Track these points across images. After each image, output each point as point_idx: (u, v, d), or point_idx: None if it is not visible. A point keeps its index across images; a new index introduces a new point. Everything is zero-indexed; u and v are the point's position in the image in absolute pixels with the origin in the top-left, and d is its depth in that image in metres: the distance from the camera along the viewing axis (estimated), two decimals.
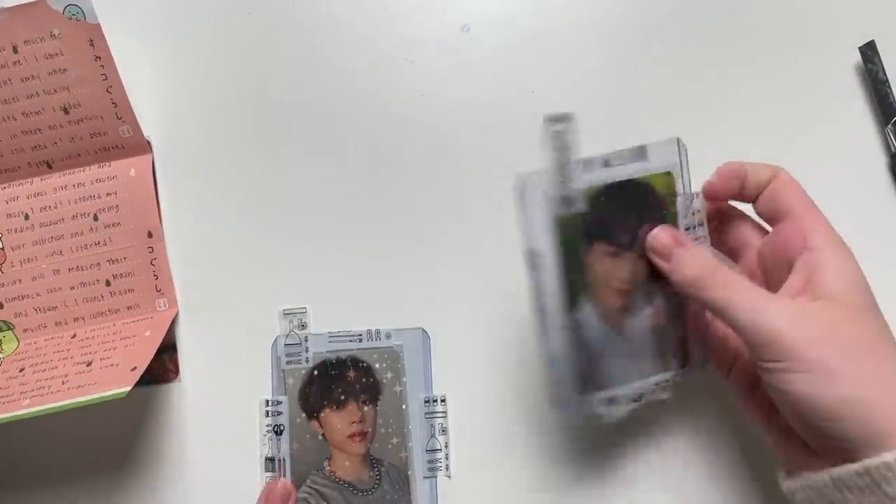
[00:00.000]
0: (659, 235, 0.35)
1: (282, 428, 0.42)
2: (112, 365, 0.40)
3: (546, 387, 0.35)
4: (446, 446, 0.41)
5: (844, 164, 0.44)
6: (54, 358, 0.43)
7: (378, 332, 0.42)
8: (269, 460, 0.42)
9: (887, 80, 0.44)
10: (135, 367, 0.39)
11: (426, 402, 0.42)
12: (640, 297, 0.36)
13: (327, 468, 0.42)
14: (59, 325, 0.45)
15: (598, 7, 0.47)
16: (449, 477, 0.41)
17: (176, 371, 0.44)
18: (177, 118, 0.46)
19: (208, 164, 0.46)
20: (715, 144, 0.41)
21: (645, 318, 0.36)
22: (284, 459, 0.41)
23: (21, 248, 0.45)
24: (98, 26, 0.41)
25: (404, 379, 0.42)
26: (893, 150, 0.44)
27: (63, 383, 0.40)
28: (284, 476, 0.41)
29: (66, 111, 0.44)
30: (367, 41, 0.47)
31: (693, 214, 0.36)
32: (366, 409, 0.42)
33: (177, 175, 0.46)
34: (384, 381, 0.42)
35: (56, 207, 0.45)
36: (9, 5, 0.42)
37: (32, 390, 0.40)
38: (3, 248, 0.45)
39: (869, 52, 0.44)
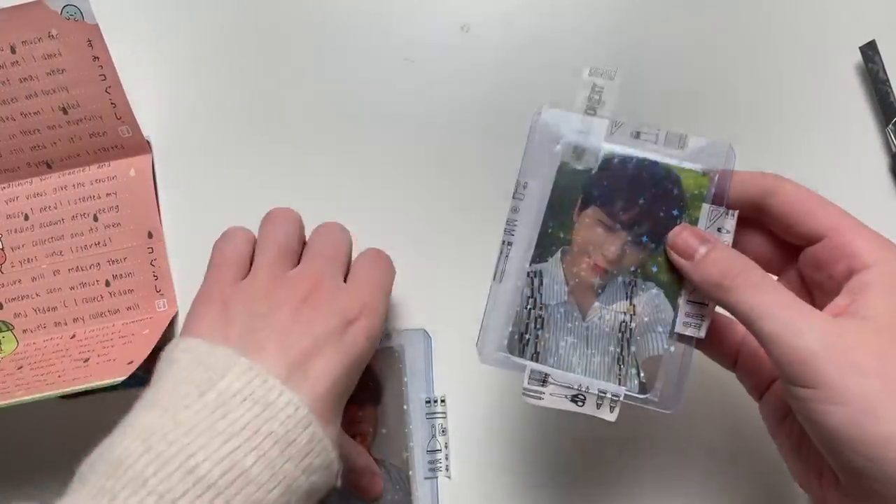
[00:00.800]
0: (682, 233, 0.31)
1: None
2: (109, 360, 0.40)
3: (479, 329, 0.33)
4: (446, 447, 0.41)
5: (845, 165, 0.44)
6: (53, 357, 0.43)
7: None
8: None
9: (888, 80, 0.44)
10: (131, 361, 0.39)
11: (427, 402, 0.41)
12: (619, 286, 0.33)
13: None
14: (59, 326, 0.45)
15: (598, 7, 0.46)
16: (449, 477, 0.41)
17: None
18: (176, 118, 0.46)
19: (208, 164, 0.46)
20: None
21: (616, 311, 0.33)
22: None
23: (21, 248, 0.45)
24: (96, 26, 0.41)
25: (405, 379, 0.41)
26: (894, 150, 0.44)
27: (59, 377, 0.40)
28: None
29: (64, 111, 0.43)
30: (368, 41, 0.47)
31: (718, 231, 0.32)
32: (366, 409, 0.41)
33: (177, 175, 0.46)
34: (384, 381, 0.41)
35: (56, 208, 0.45)
36: (7, 5, 0.42)
37: (28, 384, 0.40)
38: (2, 249, 0.45)
39: (869, 51, 0.44)
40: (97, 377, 0.38)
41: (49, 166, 0.45)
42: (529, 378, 0.32)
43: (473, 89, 0.46)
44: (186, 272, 0.45)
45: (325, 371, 0.32)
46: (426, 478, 0.41)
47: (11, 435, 0.45)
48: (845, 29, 0.45)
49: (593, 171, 0.33)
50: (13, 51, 0.42)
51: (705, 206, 0.32)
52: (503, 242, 0.33)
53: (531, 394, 0.32)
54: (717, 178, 0.32)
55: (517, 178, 0.33)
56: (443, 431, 0.41)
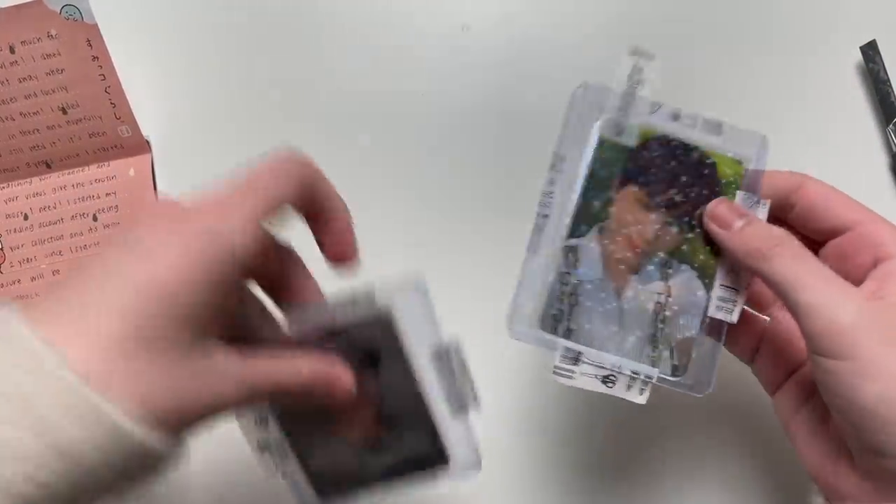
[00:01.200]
0: (720, 205, 0.31)
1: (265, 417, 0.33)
2: None
3: (511, 303, 0.31)
4: (472, 387, 0.33)
5: (845, 164, 0.44)
6: None
7: (354, 300, 0.31)
8: (263, 448, 0.33)
9: (888, 80, 0.44)
10: None
11: (436, 353, 0.32)
12: (656, 267, 0.32)
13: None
14: None
15: (598, 7, 0.46)
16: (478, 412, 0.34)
17: None
18: (176, 118, 0.46)
19: (208, 164, 0.46)
20: None
21: (652, 292, 0.32)
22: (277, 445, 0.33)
23: (20, 248, 0.45)
24: (95, 26, 0.41)
25: (403, 340, 0.32)
26: (894, 149, 0.44)
27: None
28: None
29: (64, 111, 0.43)
30: (368, 41, 0.47)
31: None
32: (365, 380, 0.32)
33: (176, 175, 0.46)
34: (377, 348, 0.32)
35: (55, 207, 0.45)
36: (6, 5, 0.42)
37: None
38: (2, 249, 0.45)
39: (870, 51, 0.44)
40: None
41: (48, 166, 0.45)
42: (562, 356, 0.31)
43: (474, 89, 0.46)
44: None
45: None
46: (454, 418, 0.33)
47: None
48: (845, 29, 0.45)
49: (632, 147, 0.33)
50: (12, 51, 0.42)
51: (739, 194, 0.32)
52: (538, 215, 0.32)
53: (563, 372, 0.31)
54: (750, 167, 0.32)
55: (555, 150, 0.32)
56: (462, 371, 0.32)
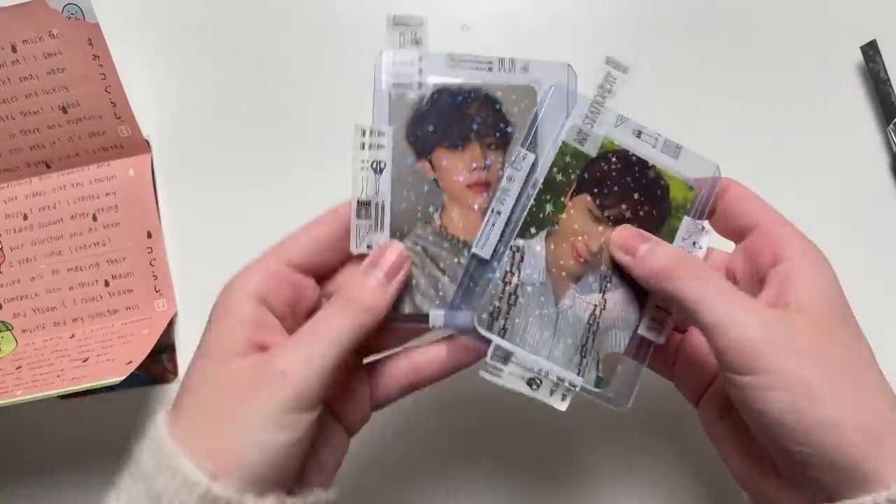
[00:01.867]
0: (625, 231, 0.32)
1: (382, 165, 0.33)
2: (108, 360, 0.40)
3: (452, 295, 0.32)
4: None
5: (845, 164, 0.44)
6: (52, 357, 0.42)
7: (513, 62, 0.33)
8: (364, 204, 0.33)
9: (889, 80, 0.44)
10: (130, 361, 0.38)
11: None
12: (596, 279, 0.33)
13: (437, 221, 0.33)
14: (58, 326, 0.44)
15: (598, 7, 0.46)
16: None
17: (175, 371, 0.44)
18: (176, 118, 0.46)
19: (208, 164, 0.46)
20: (715, 144, 0.40)
21: (588, 303, 0.33)
22: (383, 204, 0.33)
23: (20, 248, 0.45)
24: (97, 25, 0.41)
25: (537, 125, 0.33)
26: (894, 149, 0.44)
27: (58, 377, 0.40)
28: (382, 227, 0.33)
29: (64, 111, 0.43)
30: (368, 41, 0.47)
31: (693, 245, 0.33)
32: (492, 155, 0.34)
33: (176, 175, 0.46)
34: (515, 124, 0.34)
35: (55, 207, 0.45)
36: (8, 4, 0.42)
37: (27, 383, 0.40)
38: (1, 249, 0.45)
39: (870, 51, 0.44)
40: (96, 377, 0.38)
41: (48, 166, 0.45)
42: (493, 354, 0.32)
43: None
44: (186, 272, 0.45)
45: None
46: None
47: (11, 435, 0.44)
48: (846, 29, 0.45)
49: (592, 157, 0.33)
50: (14, 49, 0.42)
51: (686, 219, 0.33)
52: (491, 211, 0.32)
53: (490, 370, 0.32)
54: (701, 194, 0.33)
55: (518, 146, 0.33)
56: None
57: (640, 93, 0.45)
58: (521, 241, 0.33)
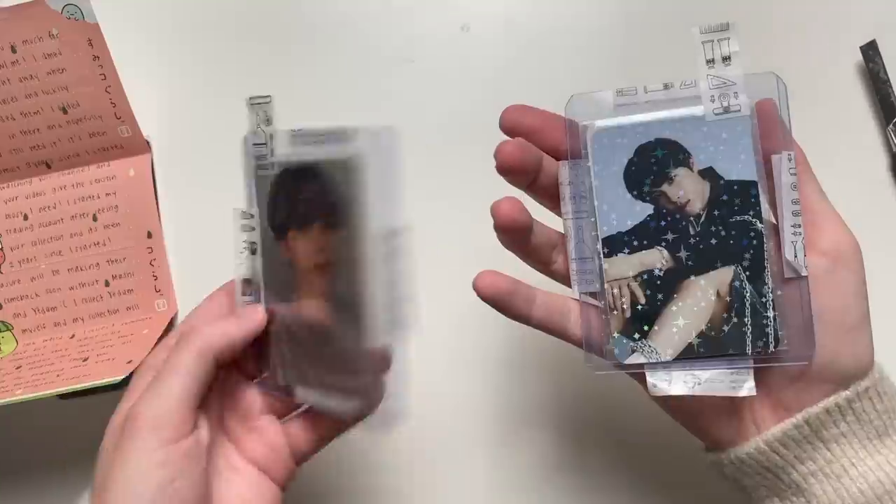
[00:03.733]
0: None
1: (255, 246, 0.34)
2: (108, 359, 0.40)
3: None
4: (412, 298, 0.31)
5: (845, 164, 0.44)
6: (52, 357, 0.42)
7: (344, 131, 0.30)
8: (247, 282, 0.34)
9: (888, 80, 0.44)
10: (130, 361, 0.38)
11: (389, 233, 0.30)
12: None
13: (295, 303, 0.32)
14: (58, 326, 0.44)
15: (598, 7, 0.46)
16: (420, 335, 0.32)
17: None
18: (176, 118, 0.46)
19: (208, 164, 0.46)
20: None
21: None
22: (259, 283, 0.34)
23: (20, 248, 0.45)
24: (97, 26, 0.41)
25: (365, 199, 0.30)
26: (894, 149, 0.44)
27: (58, 376, 0.40)
28: (262, 303, 0.34)
29: (64, 111, 0.43)
30: (368, 41, 0.47)
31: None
32: (330, 234, 0.31)
33: (176, 175, 0.46)
34: (348, 199, 0.30)
35: (55, 207, 0.45)
36: (8, 5, 0.42)
37: (27, 383, 0.40)
38: (1, 249, 0.45)
39: (870, 51, 0.44)
40: (96, 376, 0.38)
41: (48, 166, 0.45)
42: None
43: (473, 89, 0.46)
44: (186, 272, 0.45)
45: None
46: (388, 329, 0.30)
47: (11, 435, 0.45)
48: (846, 29, 0.45)
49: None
50: (13, 50, 0.42)
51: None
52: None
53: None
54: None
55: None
56: (407, 274, 0.31)
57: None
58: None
